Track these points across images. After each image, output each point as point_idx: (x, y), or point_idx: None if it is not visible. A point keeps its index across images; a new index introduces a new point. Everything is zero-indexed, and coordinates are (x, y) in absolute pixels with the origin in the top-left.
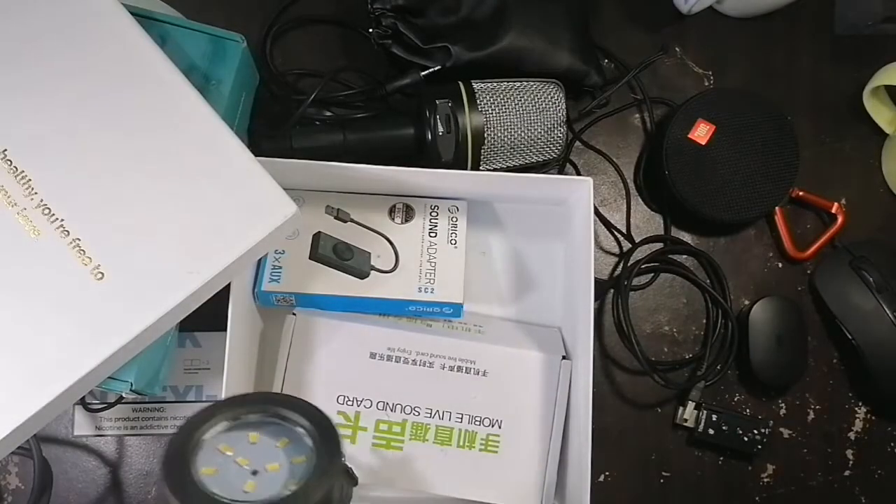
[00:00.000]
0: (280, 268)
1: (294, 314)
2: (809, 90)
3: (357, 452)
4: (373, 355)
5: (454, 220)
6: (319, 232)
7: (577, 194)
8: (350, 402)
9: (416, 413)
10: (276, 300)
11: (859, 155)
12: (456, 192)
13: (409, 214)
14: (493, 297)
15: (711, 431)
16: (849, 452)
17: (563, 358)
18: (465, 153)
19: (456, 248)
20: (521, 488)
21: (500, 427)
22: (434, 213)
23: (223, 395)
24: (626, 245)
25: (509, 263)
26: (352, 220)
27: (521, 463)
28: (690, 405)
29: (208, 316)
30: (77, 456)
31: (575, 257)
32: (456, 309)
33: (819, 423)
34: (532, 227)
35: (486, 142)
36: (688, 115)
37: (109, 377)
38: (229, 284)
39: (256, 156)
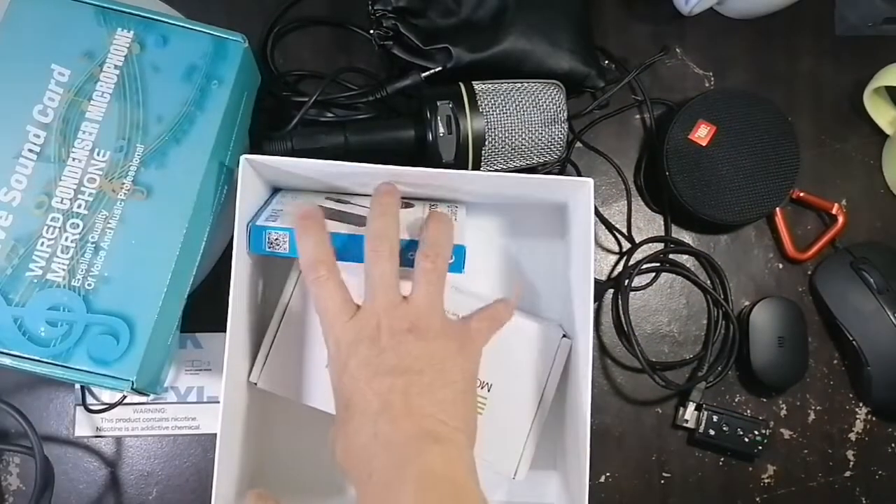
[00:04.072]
0: (280, 210)
1: (300, 271)
2: (810, 91)
3: None
4: None
5: (454, 219)
6: (320, 206)
7: (577, 195)
8: None
9: None
10: (268, 242)
11: (860, 156)
12: (456, 192)
13: None
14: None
15: (712, 432)
16: (849, 453)
17: (564, 336)
18: (465, 154)
19: None
20: (501, 448)
21: (489, 390)
22: None
23: (222, 395)
24: (627, 245)
25: (509, 264)
26: (352, 204)
27: (505, 428)
28: (691, 406)
29: (209, 317)
30: (78, 456)
31: (575, 258)
32: (458, 253)
33: (819, 424)
34: (532, 227)
35: (486, 143)
36: (688, 115)
37: (111, 376)
38: (228, 284)
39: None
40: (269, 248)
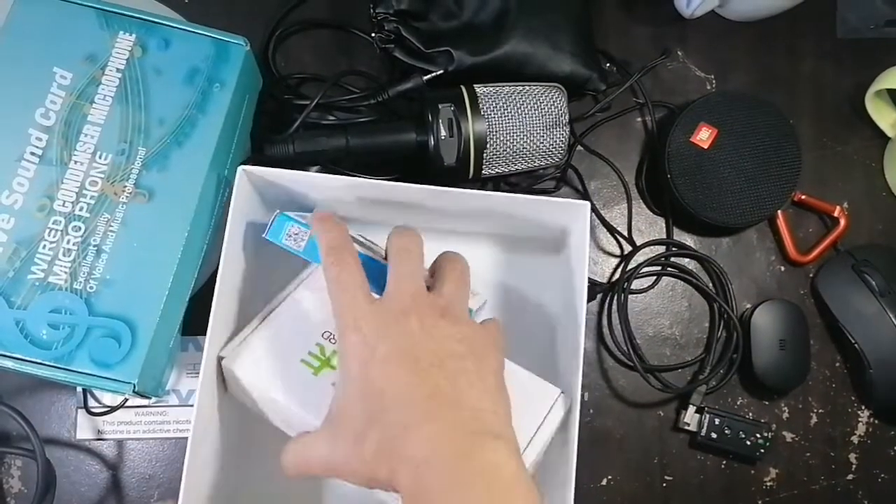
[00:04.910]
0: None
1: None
2: (811, 93)
3: (315, 383)
4: None
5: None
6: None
7: (574, 218)
8: (332, 341)
9: None
10: (287, 234)
11: (861, 158)
12: (450, 211)
13: None
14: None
15: (714, 435)
16: (852, 456)
17: (562, 393)
18: (467, 157)
19: None
20: None
21: None
22: None
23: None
24: (628, 248)
25: (503, 283)
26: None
27: None
28: (692, 409)
29: None
30: (79, 459)
31: (569, 278)
32: None
33: (822, 427)
34: (527, 246)
35: (488, 146)
36: (690, 118)
37: (112, 379)
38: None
39: (259, 161)
40: (286, 240)
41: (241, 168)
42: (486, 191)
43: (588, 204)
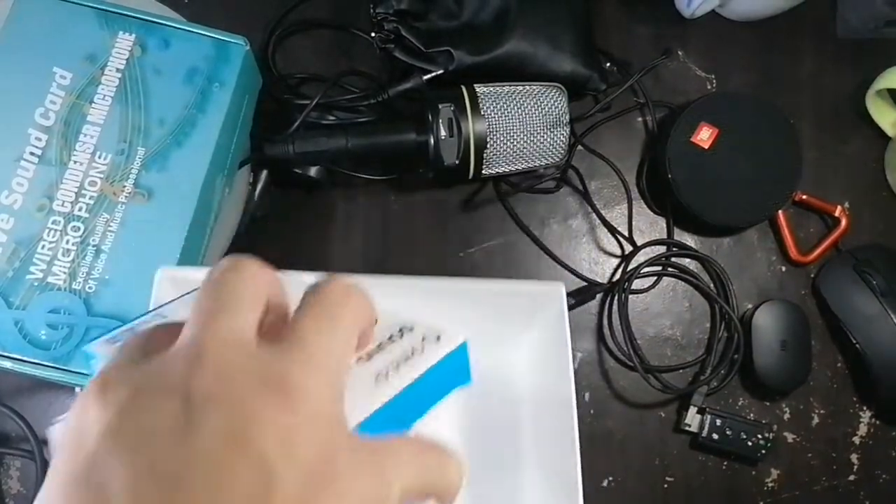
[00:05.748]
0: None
1: None
2: (812, 93)
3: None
4: None
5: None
6: None
7: (548, 301)
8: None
9: None
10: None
11: (862, 158)
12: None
13: None
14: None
15: (715, 436)
16: (853, 457)
17: None
18: (467, 157)
19: None
20: None
21: None
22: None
23: None
24: (629, 248)
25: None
26: None
27: None
28: (693, 409)
29: None
30: None
31: (549, 364)
32: (458, 357)
33: (823, 428)
34: (502, 334)
35: (488, 146)
36: (690, 118)
37: None
38: None
39: (259, 160)
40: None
41: (161, 269)
42: (439, 276)
43: (561, 284)
